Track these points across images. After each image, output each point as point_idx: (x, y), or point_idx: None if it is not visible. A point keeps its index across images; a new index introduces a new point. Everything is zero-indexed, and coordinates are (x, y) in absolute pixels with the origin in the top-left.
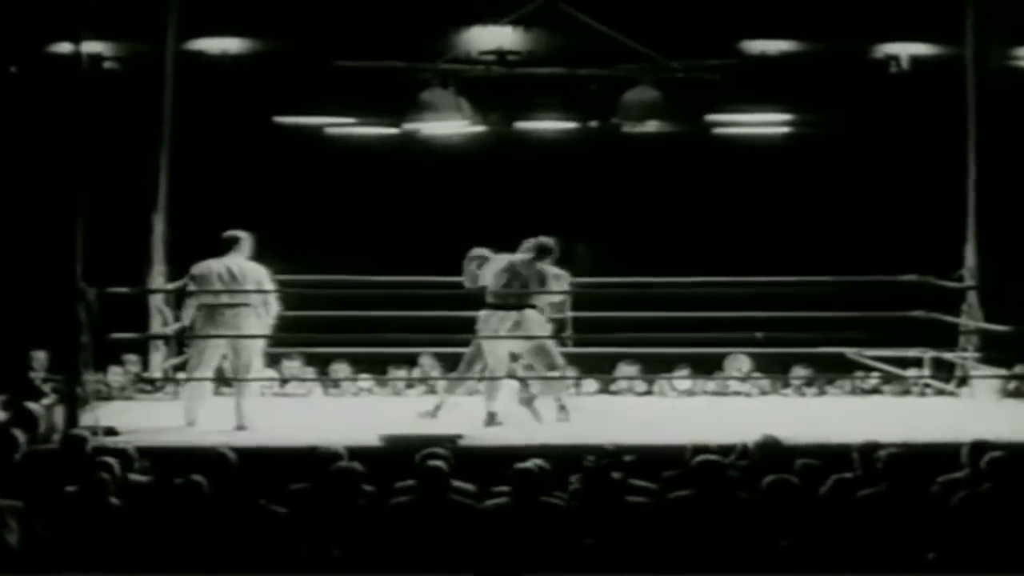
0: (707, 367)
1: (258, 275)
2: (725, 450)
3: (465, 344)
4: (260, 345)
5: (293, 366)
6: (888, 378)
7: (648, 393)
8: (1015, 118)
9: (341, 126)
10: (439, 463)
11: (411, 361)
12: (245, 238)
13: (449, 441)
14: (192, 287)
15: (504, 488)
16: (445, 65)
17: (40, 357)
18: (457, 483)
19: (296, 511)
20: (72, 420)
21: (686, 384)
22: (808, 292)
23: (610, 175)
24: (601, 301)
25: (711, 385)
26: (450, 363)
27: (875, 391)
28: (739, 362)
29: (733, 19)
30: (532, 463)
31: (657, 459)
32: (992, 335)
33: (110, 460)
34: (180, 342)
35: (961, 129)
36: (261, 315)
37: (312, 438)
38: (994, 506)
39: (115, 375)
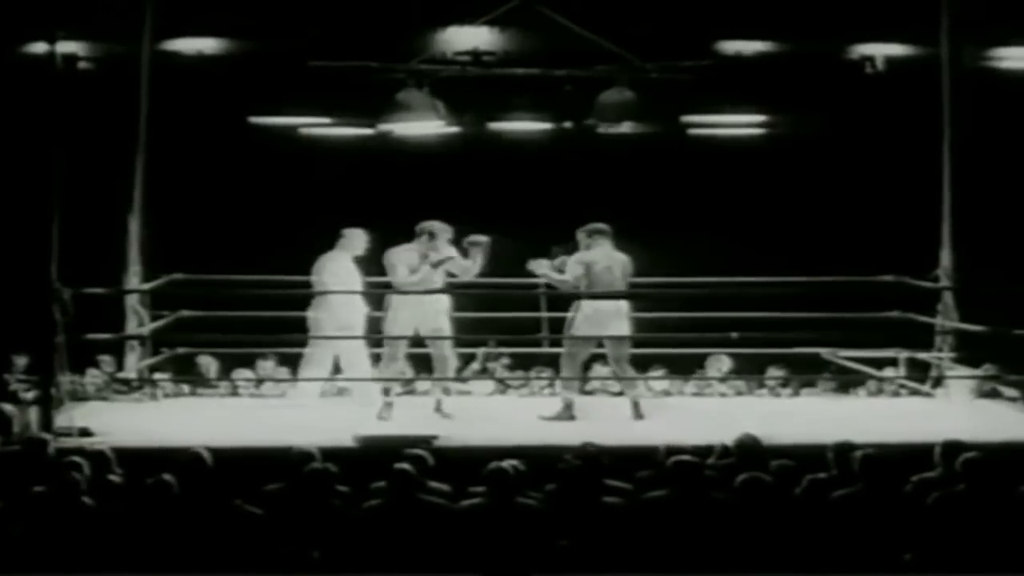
0: (683, 367)
1: (319, 270)
2: (701, 451)
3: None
4: (340, 341)
5: (267, 366)
6: (863, 378)
7: (623, 394)
8: (990, 119)
9: (316, 126)
10: (406, 465)
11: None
12: (345, 235)
13: (424, 441)
14: None
15: (479, 489)
16: (420, 65)
17: (20, 363)
18: (432, 483)
19: (270, 512)
20: (47, 421)
21: (662, 384)
22: (784, 293)
23: (585, 176)
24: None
25: (688, 386)
26: (421, 362)
27: (850, 391)
28: (720, 362)
29: (708, 20)
30: (507, 463)
31: (633, 460)
32: (967, 336)
33: (77, 461)
34: (155, 343)
35: (936, 130)
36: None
37: (287, 439)
38: (969, 506)
39: (91, 376)
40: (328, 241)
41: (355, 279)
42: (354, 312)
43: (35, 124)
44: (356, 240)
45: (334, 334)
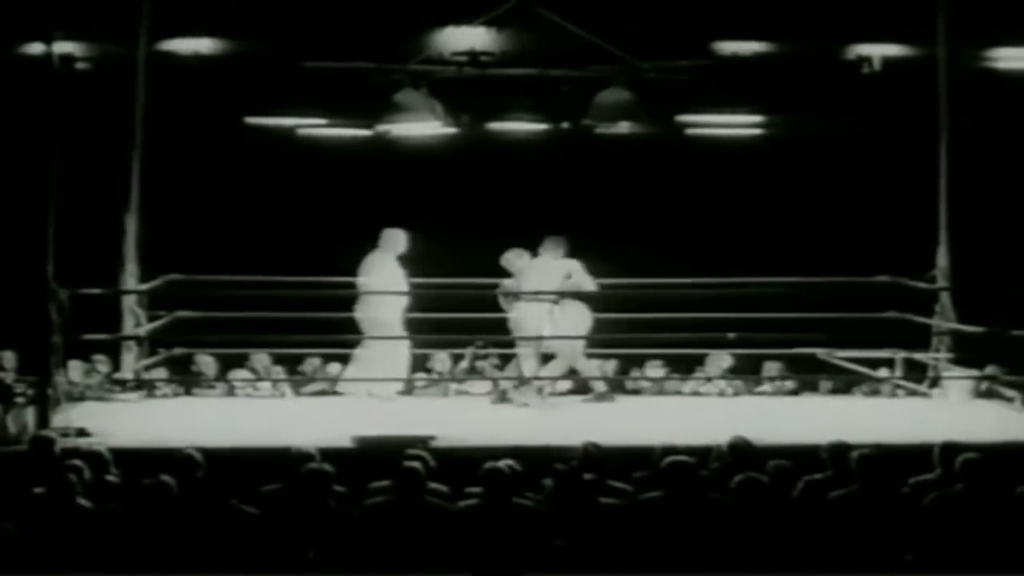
0: (680, 367)
1: (366, 271)
2: (697, 452)
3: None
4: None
5: (262, 358)
6: (860, 379)
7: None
8: (987, 119)
9: (313, 127)
10: (416, 464)
11: None
12: (387, 235)
13: (422, 442)
14: None
15: (476, 489)
16: (417, 66)
17: (9, 357)
18: (430, 484)
19: (268, 512)
20: (44, 421)
21: (660, 381)
22: (781, 293)
23: (582, 176)
24: None
25: (685, 386)
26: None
27: (847, 392)
28: (721, 360)
29: (705, 20)
30: (504, 464)
31: (630, 460)
32: (964, 336)
33: (79, 462)
34: (152, 343)
35: (933, 130)
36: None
37: (285, 439)
38: (967, 507)
39: (87, 376)
40: (326, 242)
41: (400, 278)
42: (393, 310)
43: (32, 124)
44: (397, 240)
45: (377, 332)
